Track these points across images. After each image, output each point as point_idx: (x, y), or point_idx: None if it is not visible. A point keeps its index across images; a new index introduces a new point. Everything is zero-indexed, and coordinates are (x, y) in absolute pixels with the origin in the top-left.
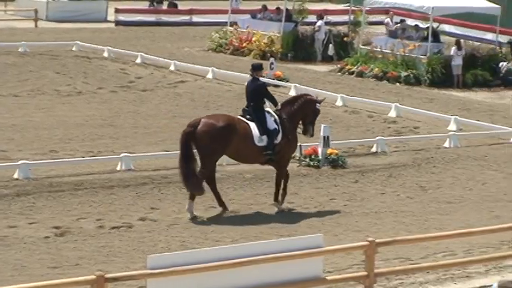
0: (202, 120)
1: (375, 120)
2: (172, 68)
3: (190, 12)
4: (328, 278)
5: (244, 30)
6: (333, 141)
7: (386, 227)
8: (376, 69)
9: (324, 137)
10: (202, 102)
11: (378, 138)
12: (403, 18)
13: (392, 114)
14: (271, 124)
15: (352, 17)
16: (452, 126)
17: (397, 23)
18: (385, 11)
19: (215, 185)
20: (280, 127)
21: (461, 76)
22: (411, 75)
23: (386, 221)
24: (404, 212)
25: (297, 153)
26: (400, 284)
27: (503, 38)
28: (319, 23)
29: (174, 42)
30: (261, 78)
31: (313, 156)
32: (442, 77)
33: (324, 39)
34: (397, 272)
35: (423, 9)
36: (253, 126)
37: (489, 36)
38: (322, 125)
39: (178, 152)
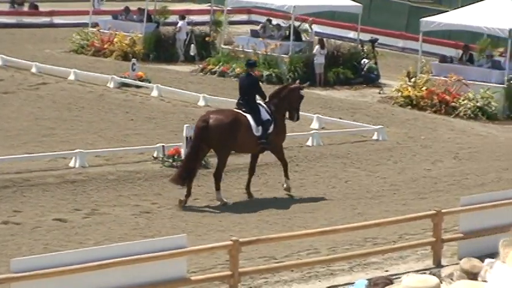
0: (211, 116)
1: None
2: (33, 70)
3: (51, 13)
4: (193, 278)
5: (106, 31)
6: None
7: (250, 226)
8: (238, 68)
9: (187, 137)
10: (64, 104)
11: None
12: (269, 18)
13: None
14: (265, 115)
15: (213, 16)
16: (314, 125)
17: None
18: (247, 10)
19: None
20: (271, 118)
21: (324, 74)
22: (273, 74)
23: (250, 220)
24: (268, 210)
25: (159, 154)
26: (264, 282)
27: (365, 36)
28: (181, 23)
29: (36, 44)
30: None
31: (176, 157)
32: (304, 75)
33: (185, 40)
34: (262, 270)
35: (285, 9)
36: (249, 117)
37: (351, 34)
38: (185, 126)
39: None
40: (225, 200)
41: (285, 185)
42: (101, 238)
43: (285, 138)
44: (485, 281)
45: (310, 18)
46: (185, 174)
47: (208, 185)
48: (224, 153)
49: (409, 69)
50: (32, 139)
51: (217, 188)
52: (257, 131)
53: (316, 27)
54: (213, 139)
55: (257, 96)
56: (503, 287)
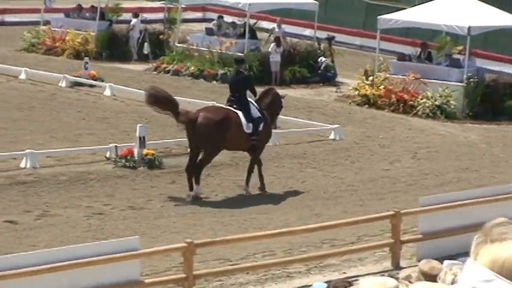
0: (201, 114)
1: None
2: None
3: (3, 12)
4: (146, 281)
5: (58, 29)
6: (149, 141)
7: (205, 228)
8: (193, 67)
9: (140, 137)
10: (15, 103)
11: None
12: (220, 15)
13: None
14: (255, 112)
15: (167, 14)
16: None
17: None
18: (202, 7)
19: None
20: (263, 115)
21: (280, 73)
22: (228, 73)
23: (205, 221)
24: (223, 212)
25: (112, 154)
26: (220, 285)
27: (322, 34)
28: (134, 21)
29: None
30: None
31: (129, 157)
32: (259, 74)
33: (139, 38)
34: (217, 273)
35: (239, 6)
36: (240, 114)
37: (307, 32)
38: (138, 125)
39: None
40: (201, 196)
41: (245, 192)
42: (52, 240)
43: (270, 138)
44: (444, 282)
45: (278, 18)
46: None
47: (161, 185)
48: (212, 151)
49: (367, 67)
50: None
51: (197, 182)
52: (248, 128)
53: (272, 25)
54: (201, 137)
55: (248, 93)
56: (473, 286)
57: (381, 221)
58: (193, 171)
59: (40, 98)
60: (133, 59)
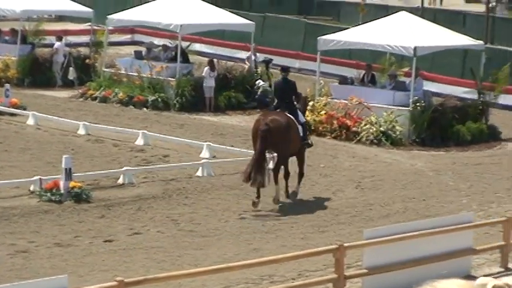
0: (270, 118)
1: (120, 149)
2: None
3: None
4: None
5: None
6: (76, 173)
7: (137, 265)
8: (121, 93)
9: (66, 169)
10: None
11: (124, 168)
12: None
13: (140, 142)
14: (301, 117)
15: (93, 37)
16: (205, 154)
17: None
18: (130, 29)
19: (289, 178)
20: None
21: (214, 99)
22: (159, 99)
23: (136, 258)
24: (156, 248)
25: (37, 188)
26: None
27: (259, 57)
28: (58, 44)
29: None
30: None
31: (54, 191)
32: (192, 100)
33: (63, 62)
34: None
35: (171, 28)
36: (293, 119)
37: (243, 54)
38: (64, 156)
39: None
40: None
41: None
42: None
43: None
44: None
45: (253, 45)
46: (259, 177)
47: (90, 220)
48: (286, 152)
49: (307, 91)
50: None
51: (276, 183)
52: (300, 131)
53: (204, 47)
54: (276, 140)
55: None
56: None
57: (323, 255)
58: (284, 178)
59: None
60: (57, 85)
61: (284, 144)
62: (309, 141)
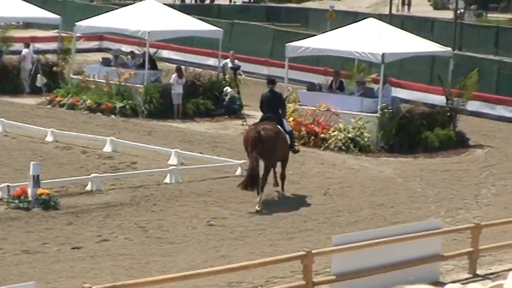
0: (261, 127)
1: (89, 156)
2: None
3: None
4: None
5: None
6: (44, 180)
7: (104, 272)
8: (89, 100)
9: (34, 176)
10: None
11: (92, 175)
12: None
13: (108, 149)
14: (287, 126)
15: (61, 44)
16: (173, 160)
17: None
18: (99, 36)
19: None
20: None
21: (182, 106)
22: (127, 106)
23: (104, 265)
24: (124, 255)
25: (4, 195)
26: None
27: (235, 63)
28: (25, 51)
29: None
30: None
31: (22, 198)
32: (160, 107)
33: (31, 69)
34: None
35: (139, 34)
36: (280, 128)
37: (211, 61)
38: (32, 163)
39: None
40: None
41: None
42: None
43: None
44: None
45: (232, 52)
46: (251, 183)
47: (57, 227)
48: (274, 158)
49: None
50: None
51: (262, 190)
52: (288, 140)
53: (172, 54)
54: (265, 148)
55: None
56: None
57: (291, 261)
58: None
59: None
60: (25, 92)
61: (273, 153)
62: (296, 147)
